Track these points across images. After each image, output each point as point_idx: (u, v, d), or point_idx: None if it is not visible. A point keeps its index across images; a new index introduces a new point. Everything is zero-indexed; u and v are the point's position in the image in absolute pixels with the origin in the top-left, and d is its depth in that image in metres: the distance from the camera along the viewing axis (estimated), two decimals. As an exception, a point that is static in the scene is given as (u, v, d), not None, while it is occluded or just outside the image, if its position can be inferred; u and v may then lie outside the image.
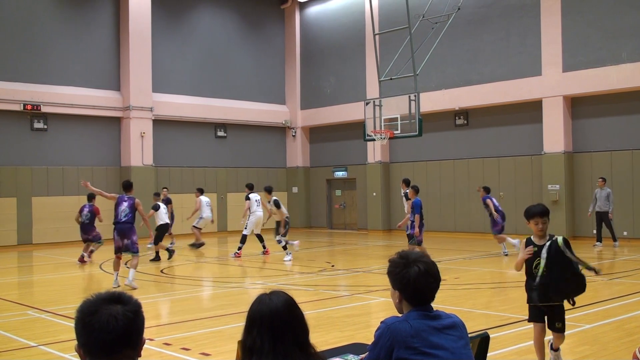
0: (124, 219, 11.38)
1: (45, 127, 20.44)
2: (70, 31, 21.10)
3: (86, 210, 15.65)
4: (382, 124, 16.71)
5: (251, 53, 25.60)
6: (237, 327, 7.52)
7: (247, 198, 16.62)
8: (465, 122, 21.35)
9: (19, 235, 19.83)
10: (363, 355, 3.09)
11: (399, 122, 16.47)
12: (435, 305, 2.93)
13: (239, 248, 16.14)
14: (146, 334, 2.08)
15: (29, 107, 19.82)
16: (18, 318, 8.95)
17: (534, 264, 5.39)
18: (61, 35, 20.87)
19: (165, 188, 19.84)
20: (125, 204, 11.42)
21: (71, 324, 7.57)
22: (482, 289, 10.95)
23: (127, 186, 11.92)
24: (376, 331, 2.85)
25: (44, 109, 20.14)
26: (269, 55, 26.24)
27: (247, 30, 25.51)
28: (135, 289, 10.90)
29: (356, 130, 22.08)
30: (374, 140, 17.05)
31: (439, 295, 2.99)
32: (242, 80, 25.26)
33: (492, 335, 4.93)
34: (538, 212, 5.38)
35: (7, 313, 9.33)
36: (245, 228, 16.50)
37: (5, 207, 19.59)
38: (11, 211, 19.72)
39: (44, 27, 20.54)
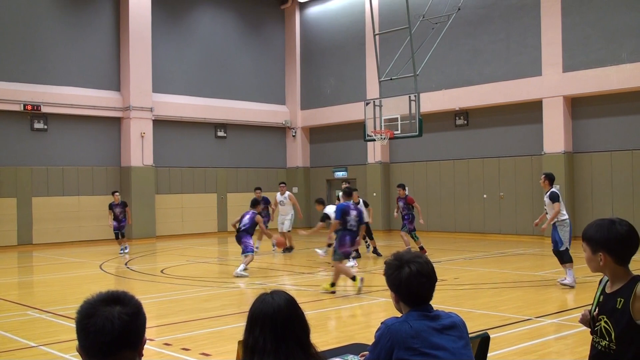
0: None
1: (46, 127, 20.43)
2: (71, 31, 21.09)
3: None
4: (382, 124, 16.71)
5: (251, 53, 25.59)
6: (237, 327, 7.52)
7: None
8: (466, 122, 21.36)
9: (19, 235, 19.83)
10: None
11: (399, 122, 16.48)
12: (435, 305, 2.93)
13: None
14: (146, 334, 2.08)
15: (29, 107, 19.81)
16: (18, 318, 8.95)
17: (597, 321, 2.99)
18: (61, 35, 20.87)
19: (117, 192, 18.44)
20: None
21: (71, 324, 7.59)
22: (482, 289, 10.94)
23: None
24: (376, 332, 2.86)
25: (44, 109, 20.14)
26: (269, 56, 26.24)
27: (247, 30, 25.50)
28: None
29: (356, 131, 22.07)
30: (374, 140, 17.05)
31: (438, 295, 3.00)
32: (242, 81, 25.25)
33: (492, 335, 4.93)
34: (583, 236, 3.01)
35: (7, 313, 9.33)
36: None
37: (5, 207, 19.59)
38: (11, 211, 19.71)
39: (44, 27, 20.53)
